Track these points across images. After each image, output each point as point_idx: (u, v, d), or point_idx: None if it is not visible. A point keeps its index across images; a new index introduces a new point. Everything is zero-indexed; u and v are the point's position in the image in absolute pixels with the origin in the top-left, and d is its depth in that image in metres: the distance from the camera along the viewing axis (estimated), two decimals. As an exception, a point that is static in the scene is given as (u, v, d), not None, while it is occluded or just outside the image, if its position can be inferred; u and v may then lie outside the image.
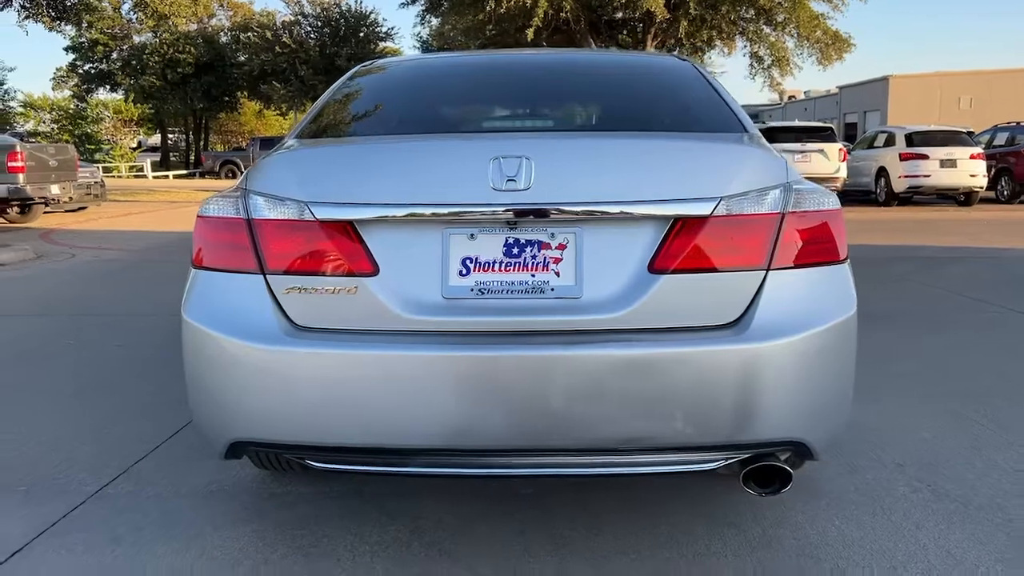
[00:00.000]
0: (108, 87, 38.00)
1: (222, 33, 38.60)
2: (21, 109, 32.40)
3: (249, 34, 35.56)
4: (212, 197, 2.12)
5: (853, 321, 2.02)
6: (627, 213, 1.93)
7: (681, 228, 1.94)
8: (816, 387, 1.97)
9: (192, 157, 38.95)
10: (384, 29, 36.06)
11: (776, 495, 2.10)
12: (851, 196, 17.74)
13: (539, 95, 2.82)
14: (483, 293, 1.93)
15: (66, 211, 15.55)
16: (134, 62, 35.98)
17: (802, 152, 16.65)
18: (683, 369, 1.88)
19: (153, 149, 47.02)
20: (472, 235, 1.95)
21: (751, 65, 20.39)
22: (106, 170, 33.49)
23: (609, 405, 1.87)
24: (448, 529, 2.39)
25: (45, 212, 14.63)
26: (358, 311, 1.93)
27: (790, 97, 59.04)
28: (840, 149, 16.78)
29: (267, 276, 1.98)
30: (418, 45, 33.57)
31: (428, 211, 1.93)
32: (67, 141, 33.25)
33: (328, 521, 2.47)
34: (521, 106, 2.87)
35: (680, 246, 1.93)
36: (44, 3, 12.35)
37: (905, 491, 2.66)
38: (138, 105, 35.01)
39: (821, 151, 16.68)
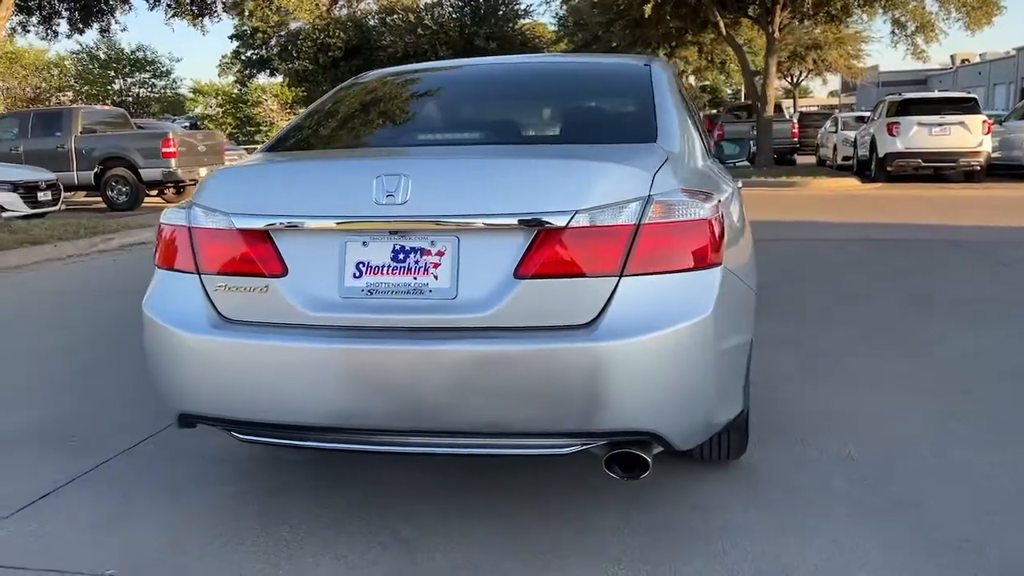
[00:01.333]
0: (268, 72, 40.43)
1: (370, 17, 40.13)
2: (191, 95, 35.05)
3: (395, 17, 36.84)
4: (171, 208, 2.52)
5: (706, 324, 2.17)
6: (494, 224, 2.17)
7: (543, 238, 2.16)
8: (665, 383, 2.15)
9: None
10: (523, 6, 36.42)
11: (636, 480, 2.30)
12: (1002, 171, 16.58)
13: (467, 113, 3.07)
14: (372, 293, 2.23)
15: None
16: (290, 47, 38.06)
17: (940, 125, 15.71)
18: (538, 364, 2.11)
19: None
20: (365, 242, 2.25)
21: (892, 32, 19.27)
22: (264, 151, 35.80)
23: (474, 394, 2.13)
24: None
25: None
26: (270, 307, 2.28)
27: (963, 60, 54.95)
28: (984, 121, 15.69)
29: (201, 276, 2.36)
30: (555, 21, 33.73)
31: (326, 222, 2.25)
32: (231, 124, 35.78)
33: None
34: (443, 125, 3.13)
35: (541, 254, 2.16)
36: (188, 1, 13.54)
37: None
38: (292, 88, 37.05)
39: (962, 123, 15.68)
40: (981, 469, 2.92)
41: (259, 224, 2.29)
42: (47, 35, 13.84)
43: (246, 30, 40.07)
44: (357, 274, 2.25)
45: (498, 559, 2.36)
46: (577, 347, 2.10)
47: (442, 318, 2.18)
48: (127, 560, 2.40)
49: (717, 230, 2.27)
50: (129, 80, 26.87)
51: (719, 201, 2.39)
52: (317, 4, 39.78)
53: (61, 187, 12.95)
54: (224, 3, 13.62)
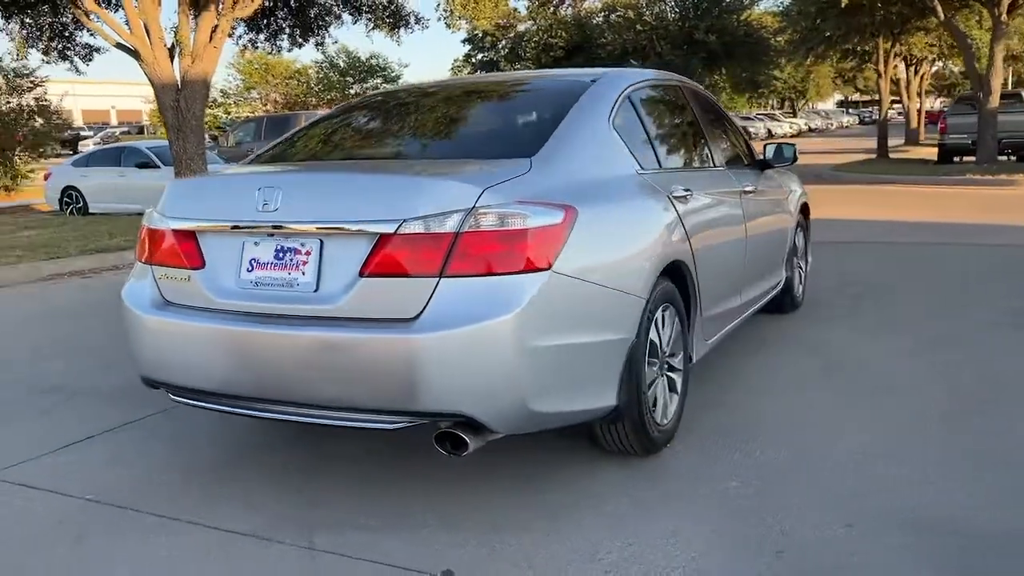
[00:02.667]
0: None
1: (594, 15, 40.83)
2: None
3: (617, 14, 37.20)
4: (146, 212, 3.16)
5: (512, 322, 2.42)
6: (344, 230, 2.57)
7: (381, 243, 2.53)
8: (473, 372, 2.43)
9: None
10: (747, -2, 35.29)
11: (460, 456, 2.59)
12: None
13: (381, 133, 3.47)
14: (258, 285, 2.71)
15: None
16: (517, 49, 39.68)
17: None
18: (370, 350, 2.49)
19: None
20: (256, 243, 2.74)
21: None
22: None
23: (322, 373, 2.56)
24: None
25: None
26: (191, 292, 2.84)
27: None
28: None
29: (152, 267, 2.97)
30: (779, 9, 32.42)
31: (225, 224, 2.76)
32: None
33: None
34: (354, 143, 3.54)
35: (377, 257, 2.52)
36: (384, 16, 14.78)
37: None
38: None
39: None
40: None
41: (185, 225, 2.86)
42: (272, 49, 15.77)
43: (477, 33, 42.33)
44: (249, 268, 2.74)
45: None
46: (400, 337, 2.45)
47: (304, 307, 2.62)
48: (125, 484, 3.08)
49: (540, 239, 2.51)
50: (364, 85, 29.44)
51: (568, 213, 2.62)
52: (545, 5, 41.11)
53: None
54: (416, 15, 14.73)
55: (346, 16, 14.90)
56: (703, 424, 3.55)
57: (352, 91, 29.22)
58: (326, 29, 15.41)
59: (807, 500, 2.81)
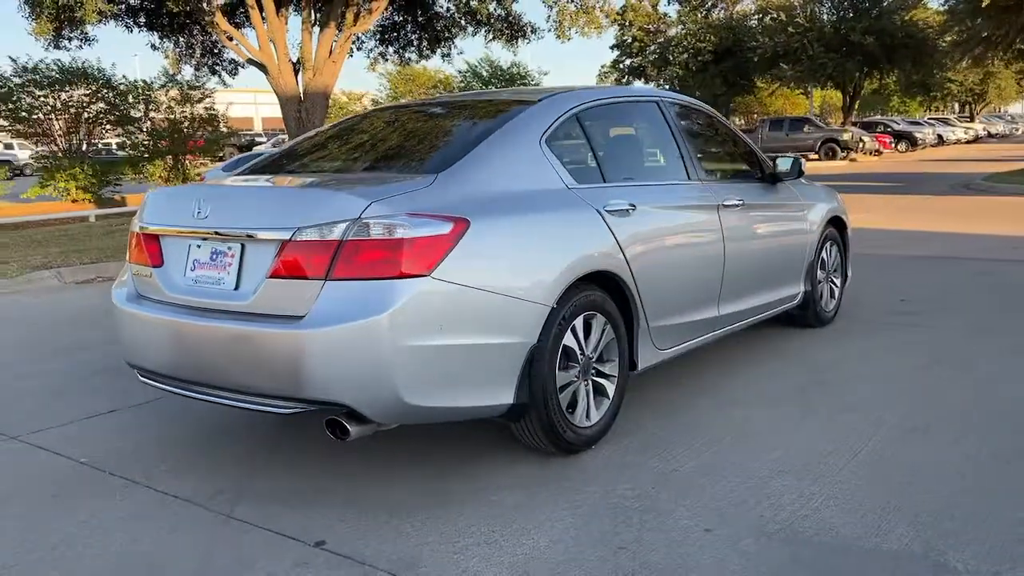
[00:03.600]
0: (643, 79, 42.27)
1: (747, 18, 39.89)
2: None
3: (769, 17, 36.25)
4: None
5: (383, 322, 2.70)
6: (256, 236, 2.94)
7: (283, 248, 2.88)
8: (347, 366, 2.73)
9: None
10: (911, -4, 33.41)
11: (345, 441, 2.89)
12: None
13: (324, 150, 3.77)
14: (197, 282, 3.13)
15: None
16: (666, 54, 39.42)
17: None
18: (265, 343, 2.85)
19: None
20: (199, 245, 3.16)
21: None
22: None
23: (232, 361, 2.94)
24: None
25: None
26: (152, 287, 3.30)
27: None
28: None
29: (131, 265, 3.46)
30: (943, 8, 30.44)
31: (172, 229, 3.20)
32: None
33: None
34: (314, 159, 3.85)
35: (279, 260, 2.87)
36: (502, 27, 15.22)
37: None
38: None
39: None
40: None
41: (151, 229, 3.33)
42: (400, 61, 16.61)
43: (626, 39, 42.35)
44: (192, 267, 3.17)
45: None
46: (290, 332, 2.80)
47: (225, 303, 3.02)
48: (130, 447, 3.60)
49: (419, 248, 2.78)
50: (506, 93, 30.21)
51: (457, 225, 2.87)
52: (694, 9, 40.69)
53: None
54: (531, 26, 15.09)
55: (468, 28, 15.51)
56: (643, 428, 3.68)
57: (494, 99, 30.01)
58: (452, 41, 16.11)
59: (685, 505, 2.92)
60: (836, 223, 5.58)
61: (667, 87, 42.41)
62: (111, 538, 2.84)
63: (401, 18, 15.64)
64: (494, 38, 15.43)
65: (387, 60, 16.54)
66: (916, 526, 2.70)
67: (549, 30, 14.57)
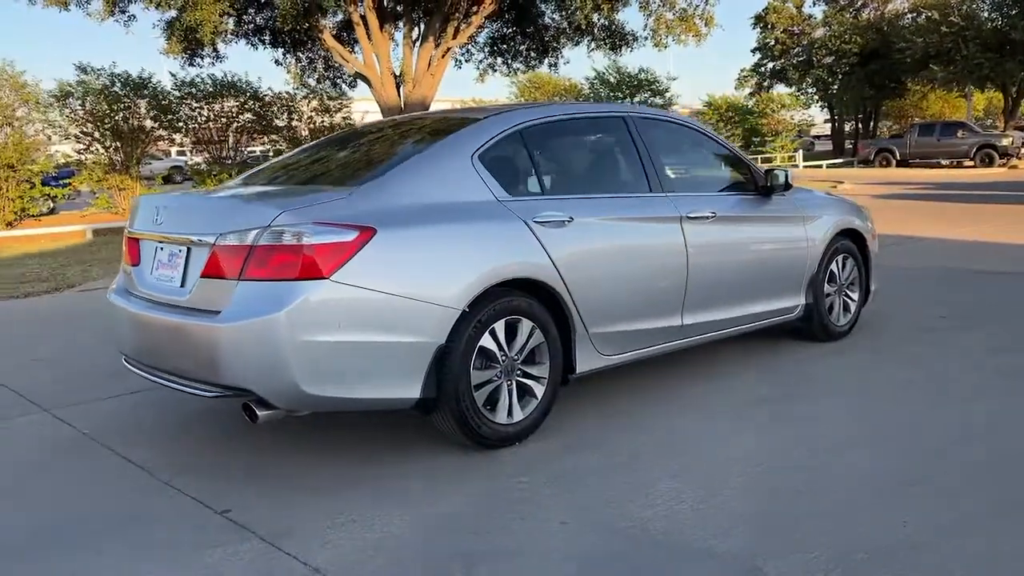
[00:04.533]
0: (784, 83, 40.98)
1: (899, 17, 37.93)
2: (705, 109, 37.29)
3: (924, 16, 34.36)
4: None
5: (281, 319, 3.03)
6: (195, 240, 3.36)
7: (211, 251, 3.28)
8: (255, 357, 3.09)
9: (851, 145, 39.41)
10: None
11: (255, 424, 3.24)
12: None
13: (292, 166, 4.13)
14: (158, 279, 3.59)
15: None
16: (809, 57, 38.13)
17: None
18: (190, 333, 3.26)
19: (819, 137, 49.14)
20: (161, 248, 3.62)
21: None
22: (766, 160, 36.55)
23: (172, 349, 3.37)
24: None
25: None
26: (131, 284, 3.79)
27: None
28: None
29: (123, 265, 3.97)
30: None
31: (146, 233, 3.67)
32: (738, 136, 37.26)
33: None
34: (274, 173, 4.18)
35: (208, 261, 3.28)
36: (604, 37, 15.33)
37: None
38: (801, 98, 37.11)
39: None
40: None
41: (132, 233, 3.82)
42: (509, 71, 17.07)
43: (768, 42, 41.20)
44: (155, 267, 3.63)
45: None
46: (209, 325, 3.19)
47: (170, 298, 3.45)
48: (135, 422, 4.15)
49: (321, 253, 3.10)
50: (634, 99, 30.15)
51: (363, 233, 3.18)
52: (842, 9, 39.12)
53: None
54: (633, 35, 15.10)
55: (572, 38, 15.77)
56: (580, 429, 3.85)
57: (621, 105, 30.05)
58: (559, 51, 16.40)
59: (562, 500, 3.10)
60: (852, 236, 5.47)
61: (810, 91, 40.95)
62: (64, 488, 3.35)
63: (510, 30, 16.08)
64: (596, 47, 15.62)
65: (495, 71, 17.06)
66: (757, 535, 2.76)
67: (646, 38, 14.61)
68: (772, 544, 2.69)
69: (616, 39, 15.31)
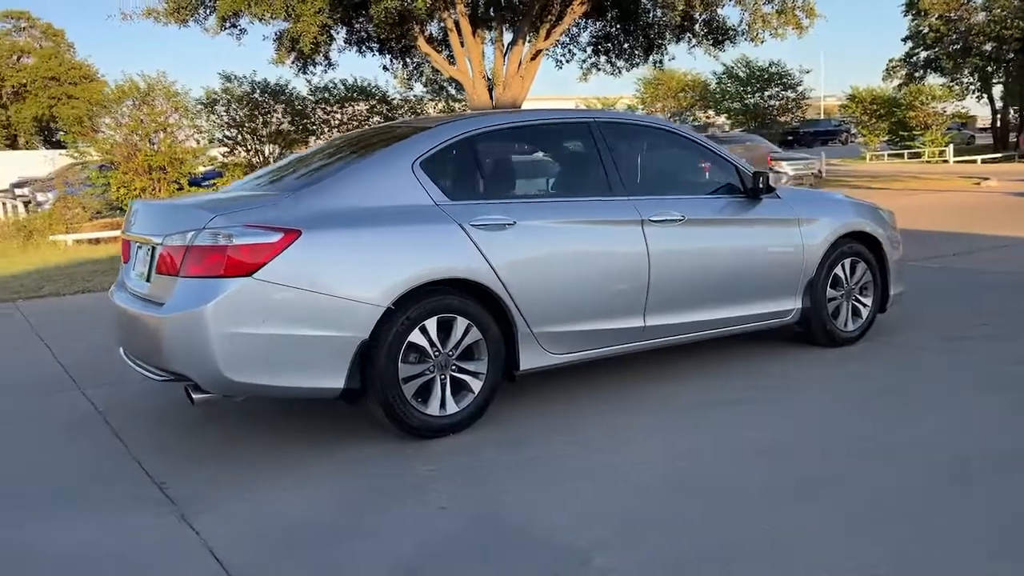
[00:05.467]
0: (938, 73, 38.49)
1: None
2: (847, 102, 35.64)
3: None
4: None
5: (207, 311, 3.37)
6: (153, 241, 3.77)
7: (161, 250, 3.67)
8: (186, 345, 3.45)
9: (1014, 138, 36.47)
10: None
11: (193, 404, 3.59)
12: None
13: (274, 171, 4.44)
14: (137, 276, 4.03)
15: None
16: (967, 45, 35.68)
17: None
18: (143, 322, 3.67)
19: (984, 130, 45.56)
20: (140, 247, 4.06)
21: None
22: (914, 155, 34.49)
23: (137, 335, 3.80)
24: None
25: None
26: (123, 279, 4.26)
27: None
28: None
29: (122, 263, 4.46)
30: None
31: (130, 235, 4.13)
32: (883, 130, 35.35)
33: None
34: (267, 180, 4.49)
35: (159, 260, 3.67)
36: (703, 34, 15.00)
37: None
38: (955, 88, 34.69)
39: None
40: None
41: (124, 235, 4.29)
42: (613, 70, 17.02)
43: (921, 30, 38.81)
44: (135, 264, 4.07)
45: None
46: (154, 315, 3.59)
47: (140, 291, 3.88)
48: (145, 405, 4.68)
49: (245, 253, 3.42)
50: (766, 93, 29.24)
51: (287, 235, 3.48)
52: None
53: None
54: (734, 30, 14.68)
55: (675, 34, 15.57)
56: (519, 425, 4.00)
57: (751, 100, 29.25)
58: (663, 48, 16.26)
59: (451, 488, 3.29)
60: (863, 239, 5.29)
61: (966, 81, 38.27)
62: (50, 455, 3.89)
63: (613, 28, 16.09)
64: (697, 44, 15.36)
65: (599, 70, 17.09)
66: (613, 532, 2.85)
67: (742, 33, 14.21)
68: (620, 540, 2.78)
69: (718, 34, 15.03)
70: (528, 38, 13.26)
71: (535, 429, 3.97)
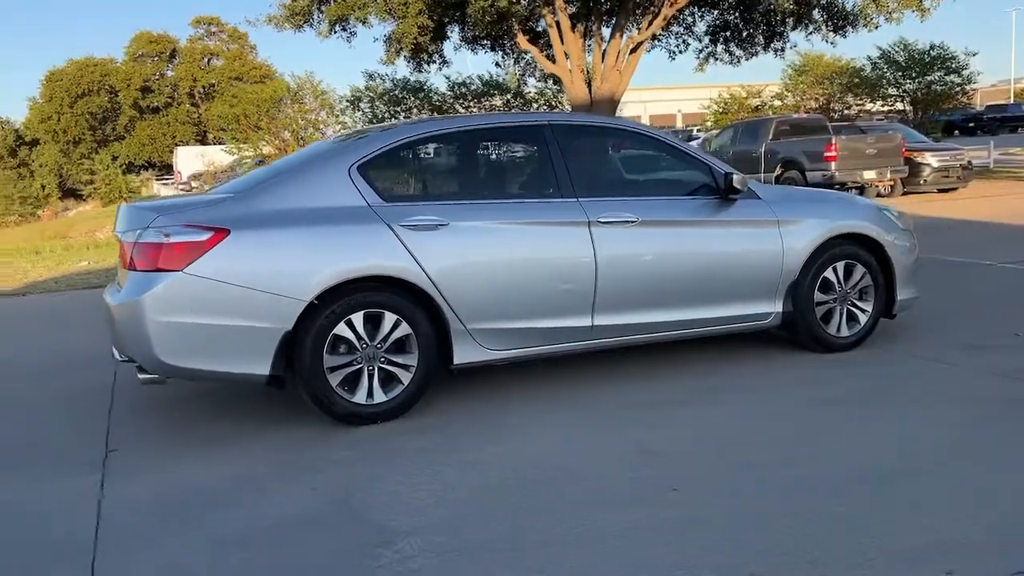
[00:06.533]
0: None
1: None
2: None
3: None
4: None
5: (142, 302, 3.78)
6: (120, 238, 4.23)
7: (120, 245, 4.12)
8: (129, 331, 3.89)
9: None
10: None
11: (142, 385, 4.01)
12: None
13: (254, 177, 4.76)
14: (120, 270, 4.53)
15: (938, 191, 16.91)
16: None
17: None
18: (109, 310, 4.14)
19: None
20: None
21: None
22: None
23: (121, 328, 4.29)
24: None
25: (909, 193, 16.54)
26: (117, 277, 4.78)
27: None
28: None
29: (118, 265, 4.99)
30: None
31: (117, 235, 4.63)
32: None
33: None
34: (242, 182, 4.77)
35: (120, 254, 4.13)
36: (822, 19, 14.16)
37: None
38: None
39: None
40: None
41: (117, 235, 4.81)
42: (731, 60, 16.43)
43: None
44: (125, 258, 4.57)
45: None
46: (113, 303, 4.05)
47: (119, 282, 4.37)
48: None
49: (176, 250, 3.81)
50: (927, 78, 27.22)
51: (216, 234, 3.84)
52: None
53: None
54: (854, 15, 13.76)
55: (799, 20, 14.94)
56: (447, 417, 4.19)
57: (908, 85, 27.39)
58: (784, 36, 15.65)
59: (343, 475, 3.53)
60: (861, 241, 5.04)
61: None
62: (46, 422, 4.45)
63: (732, 16, 15.62)
64: (815, 30, 14.61)
65: (717, 59, 16.60)
66: (444, 522, 3.01)
67: (855, 18, 13.34)
68: (438, 528, 2.93)
69: (837, 19, 14.24)
70: (626, 31, 13.16)
71: (459, 421, 4.14)
